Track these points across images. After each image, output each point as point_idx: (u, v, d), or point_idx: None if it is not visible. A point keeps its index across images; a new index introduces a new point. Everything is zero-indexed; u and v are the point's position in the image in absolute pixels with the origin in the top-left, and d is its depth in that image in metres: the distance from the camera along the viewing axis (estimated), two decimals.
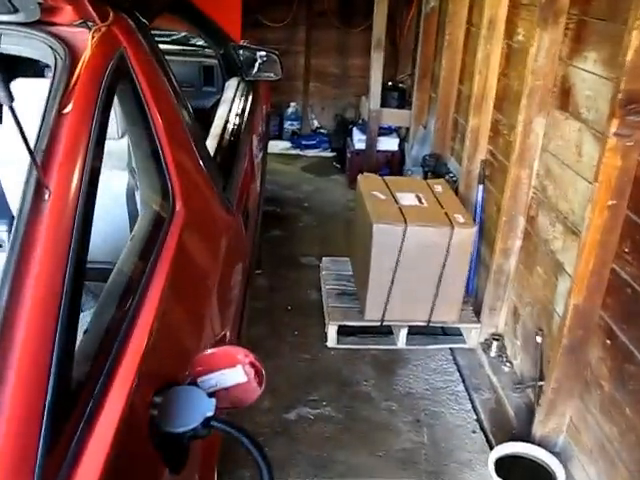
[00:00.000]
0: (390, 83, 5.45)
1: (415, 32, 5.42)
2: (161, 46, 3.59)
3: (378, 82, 5.11)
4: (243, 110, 2.98)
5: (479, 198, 3.74)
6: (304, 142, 6.45)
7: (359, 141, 5.50)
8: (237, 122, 2.75)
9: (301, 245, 4.55)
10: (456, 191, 4.06)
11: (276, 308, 3.76)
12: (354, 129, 5.64)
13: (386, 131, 5.49)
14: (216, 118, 2.69)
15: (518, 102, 3.08)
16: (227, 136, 2.51)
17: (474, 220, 3.68)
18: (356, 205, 3.71)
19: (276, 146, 6.37)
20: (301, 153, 6.45)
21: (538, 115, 2.90)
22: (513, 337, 3.27)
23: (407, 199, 3.45)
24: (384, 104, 5.33)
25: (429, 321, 3.41)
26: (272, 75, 3.30)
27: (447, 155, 4.52)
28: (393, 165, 5.39)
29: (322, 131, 6.56)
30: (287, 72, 6.43)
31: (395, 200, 3.42)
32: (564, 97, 2.73)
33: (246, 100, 3.12)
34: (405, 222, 3.18)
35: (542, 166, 2.96)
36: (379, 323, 3.39)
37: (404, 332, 3.39)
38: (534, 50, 2.80)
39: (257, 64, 3.33)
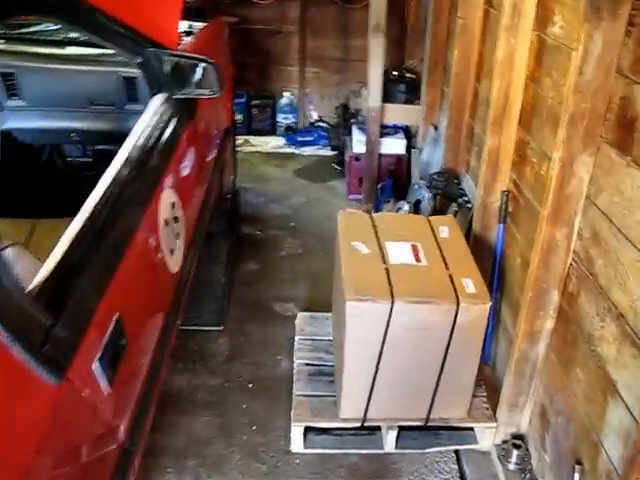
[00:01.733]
0: (395, 73, 4.45)
1: (424, 9, 4.41)
2: (69, 49, 2.70)
3: (378, 73, 4.14)
4: (162, 152, 2.08)
5: (499, 242, 2.80)
6: (300, 139, 5.54)
7: (358, 143, 4.56)
8: (140, 174, 1.85)
9: (278, 285, 3.67)
10: (470, 223, 3.12)
11: (233, 387, 2.91)
12: (353, 127, 4.69)
13: (391, 130, 4.54)
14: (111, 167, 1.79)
15: (553, 121, 2.17)
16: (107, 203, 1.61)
17: (492, 283, 2.76)
18: (335, 258, 2.80)
19: (267, 144, 5.48)
20: (296, 151, 5.53)
21: (583, 152, 1.95)
22: (540, 447, 2.37)
23: (399, 253, 2.53)
24: (388, 98, 4.36)
25: (427, 419, 2.52)
26: (207, 92, 2.38)
27: (461, 171, 3.57)
28: (398, 174, 4.44)
29: (322, 125, 5.62)
30: (279, 56, 5.52)
31: (382, 256, 2.51)
32: (624, 131, 1.79)
33: (170, 131, 2.21)
34: (392, 295, 2.27)
35: (587, 225, 2.02)
36: (359, 423, 2.50)
37: (393, 434, 2.50)
38: (579, 56, 1.84)
39: (195, 77, 2.42)
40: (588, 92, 1.86)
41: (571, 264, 2.14)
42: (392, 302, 2.26)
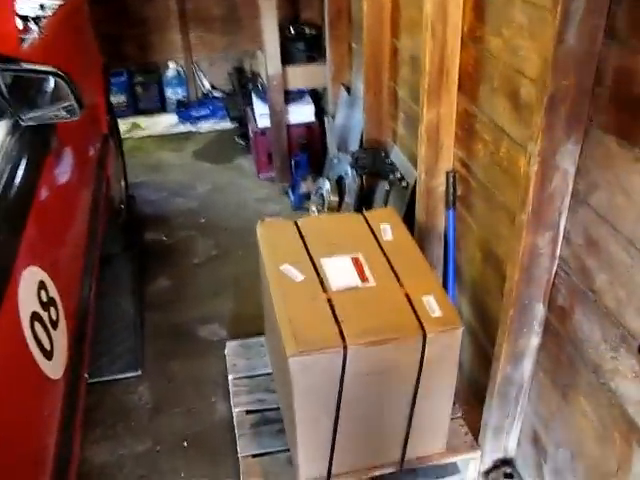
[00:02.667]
0: (293, 31, 3.87)
1: None
2: None
3: (273, 35, 3.58)
4: (11, 214, 1.48)
5: (450, 232, 2.37)
6: (194, 114, 4.90)
7: (262, 116, 3.99)
8: None
9: (197, 301, 3.14)
10: (410, 206, 2.68)
11: (165, 450, 2.41)
12: (254, 97, 4.10)
13: (296, 96, 3.98)
14: None
15: (509, 91, 1.78)
16: None
17: (446, 278, 2.36)
18: (261, 284, 2.29)
19: (159, 124, 4.82)
20: (193, 129, 4.90)
21: (567, 141, 1.51)
22: (536, 476, 2.01)
23: (340, 272, 2.06)
24: (288, 60, 3.80)
25: (402, 462, 2.11)
26: (62, 115, 1.77)
27: (387, 141, 3.10)
28: (312, 146, 3.92)
29: (216, 95, 4.98)
30: (158, 23, 4.79)
31: (321, 280, 2.02)
32: (625, 113, 1.34)
33: (22, 176, 1.60)
34: (343, 339, 1.81)
35: (577, 229, 1.61)
36: None
37: None
38: (557, 19, 1.38)
39: (47, 92, 1.80)
40: (570, 65, 1.40)
41: (557, 273, 1.73)
42: (344, 348, 1.80)
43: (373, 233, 2.27)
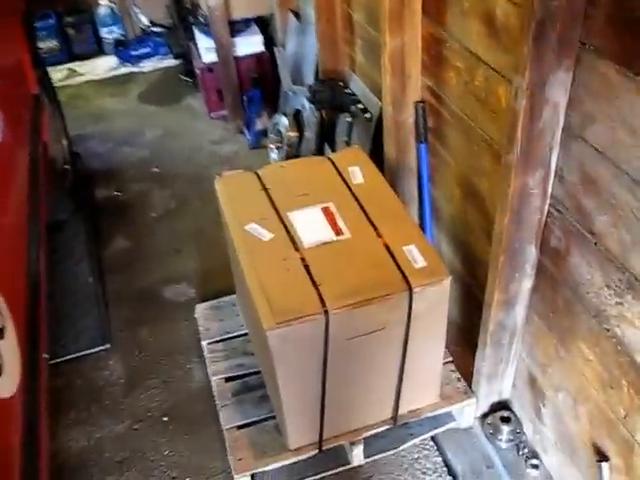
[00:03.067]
0: None
1: None
2: None
3: None
4: None
5: (424, 167, 2.21)
6: (134, 53, 4.55)
7: (207, 51, 3.69)
8: None
9: (160, 260, 2.95)
10: (376, 139, 2.50)
11: (145, 428, 2.29)
12: (196, 32, 3.78)
13: (242, 26, 3.68)
14: None
15: (482, 14, 1.58)
16: None
17: (422, 217, 2.22)
18: (228, 246, 2.12)
19: (97, 68, 4.49)
20: (134, 69, 4.56)
21: (557, 69, 1.33)
22: (535, 418, 1.95)
23: (311, 226, 1.89)
24: None
25: (395, 419, 2.02)
26: None
27: (344, 70, 2.87)
28: (264, 79, 3.65)
29: (156, 30, 4.60)
30: None
31: (291, 238, 1.86)
32: (627, 36, 1.17)
33: None
34: (322, 304, 1.66)
35: (571, 165, 1.46)
36: (316, 450, 1.97)
37: (359, 448, 1.99)
38: None
39: None
40: None
41: (549, 212, 1.58)
42: (325, 313, 1.65)
43: (342, 177, 2.10)
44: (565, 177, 1.49)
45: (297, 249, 1.82)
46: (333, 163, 2.16)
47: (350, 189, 2.03)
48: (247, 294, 1.80)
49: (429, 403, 2.06)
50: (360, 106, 2.70)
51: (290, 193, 2.02)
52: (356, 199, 1.99)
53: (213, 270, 2.79)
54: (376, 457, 2.07)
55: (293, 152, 3.28)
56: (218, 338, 2.34)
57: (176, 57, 4.42)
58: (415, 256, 1.78)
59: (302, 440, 1.96)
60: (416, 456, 2.11)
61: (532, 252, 1.67)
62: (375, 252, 1.80)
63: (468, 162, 1.95)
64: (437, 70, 1.99)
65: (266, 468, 1.95)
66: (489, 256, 1.75)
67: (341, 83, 2.85)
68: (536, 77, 1.33)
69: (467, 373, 2.10)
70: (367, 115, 2.63)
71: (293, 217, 1.93)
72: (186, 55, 4.22)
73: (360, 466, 2.06)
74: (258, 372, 2.21)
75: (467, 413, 2.10)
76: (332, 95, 2.71)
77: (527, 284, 1.74)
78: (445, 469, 2.07)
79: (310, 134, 3.13)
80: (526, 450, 2.01)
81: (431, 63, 2.02)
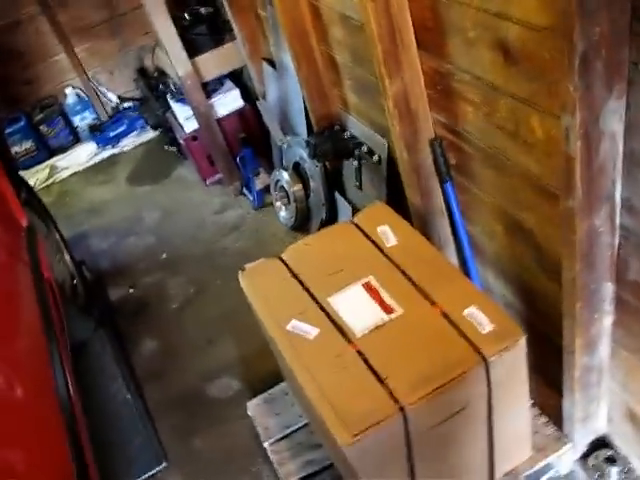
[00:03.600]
0: (188, 16, 3.37)
1: None
2: None
3: (169, 30, 3.10)
4: None
5: (454, 207, 2.03)
6: (111, 134, 4.41)
7: (187, 120, 3.53)
8: None
9: (195, 355, 2.77)
10: (390, 181, 2.33)
11: None
12: (171, 103, 3.63)
13: (217, 85, 3.52)
14: None
15: (491, 39, 1.43)
16: None
17: (464, 262, 2.04)
18: (269, 343, 1.94)
19: (79, 157, 4.34)
20: (116, 151, 4.42)
21: (609, 98, 1.15)
22: None
23: (357, 312, 1.72)
24: (193, 50, 3.31)
25: None
26: None
27: (339, 113, 2.69)
28: (252, 136, 3.48)
29: (127, 105, 4.46)
30: (33, 50, 4.18)
31: (340, 329, 1.67)
32: None
33: None
34: (395, 400, 1.48)
35: (638, 190, 1.26)
36: None
37: None
38: None
39: None
40: (600, 3, 1.03)
41: (621, 244, 1.40)
42: (401, 411, 1.47)
43: (373, 242, 1.92)
44: (634, 205, 1.30)
45: (349, 341, 1.64)
46: (359, 227, 1.98)
47: (386, 255, 1.86)
48: (306, 401, 1.62)
49: (523, 459, 1.87)
50: (364, 149, 2.52)
51: (323, 274, 1.85)
52: (395, 265, 1.81)
53: (252, 355, 2.61)
54: None
55: (302, 206, 3.11)
56: (279, 436, 2.17)
57: (155, 128, 4.26)
58: (479, 319, 1.59)
59: None
60: None
61: (609, 288, 1.49)
62: (434, 325, 1.62)
63: (506, 197, 1.77)
64: (449, 105, 1.81)
65: None
66: (548, 290, 1.58)
67: (337, 127, 2.68)
68: (587, 114, 1.15)
69: (549, 408, 1.91)
70: (375, 158, 2.45)
71: (334, 303, 1.75)
72: (163, 124, 4.06)
73: None
74: (331, 465, 2.02)
75: (565, 459, 1.91)
76: (333, 145, 2.54)
77: (608, 321, 1.57)
78: None
79: (316, 185, 2.96)
80: None
81: (440, 98, 1.84)
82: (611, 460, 1.85)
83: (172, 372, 2.71)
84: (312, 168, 2.94)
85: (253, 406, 2.29)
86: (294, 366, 1.64)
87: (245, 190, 3.55)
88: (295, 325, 1.72)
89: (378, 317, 1.67)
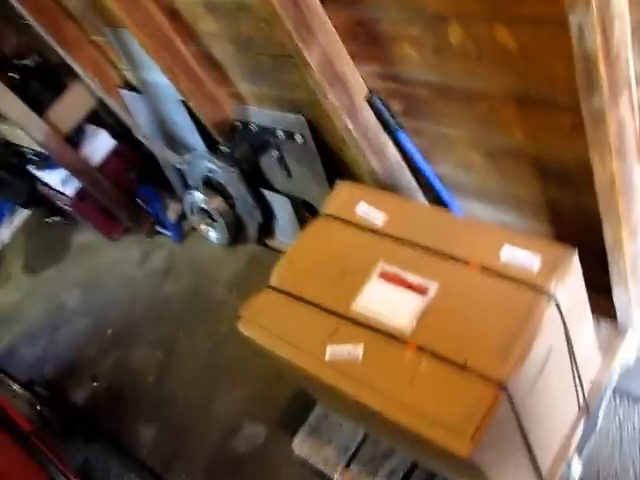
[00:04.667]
0: (16, 75, 2.95)
1: None
2: None
3: (9, 98, 2.69)
4: None
5: (414, 154, 1.88)
6: None
7: (66, 183, 3.16)
8: None
9: (202, 417, 2.51)
10: (325, 157, 2.16)
11: None
12: (37, 174, 3.23)
13: (79, 134, 3.15)
14: None
15: None
16: None
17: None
18: (314, 391, 1.73)
19: None
20: None
21: None
22: None
23: (392, 305, 1.53)
24: (40, 108, 2.92)
25: (586, 406, 1.74)
26: None
27: (235, 110, 2.44)
28: (142, 171, 3.15)
29: None
30: None
31: (386, 334, 1.49)
32: None
33: None
34: (489, 381, 1.32)
35: None
36: None
37: (576, 462, 1.71)
38: None
39: None
40: None
41: None
42: (501, 388, 1.31)
43: (360, 227, 1.72)
44: None
45: (403, 341, 1.46)
46: (335, 217, 1.78)
47: (382, 234, 1.67)
48: (392, 426, 1.43)
49: (598, 367, 1.79)
50: (280, 134, 2.30)
51: (329, 284, 1.65)
52: (399, 240, 1.64)
53: (260, 392, 2.42)
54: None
55: (231, 218, 2.85)
56: (345, 461, 1.98)
57: (26, 206, 3.81)
58: (521, 257, 1.46)
59: None
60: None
61: (637, 170, 1.38)
62: (480, 284, 1.48)
63: (479, 124, 1.62)
64: (379, 53, 1.63)
65: None
66: (560, 198, 1.57)
67: (239, 124, 2.44)
68: (601, 1, 1.00)
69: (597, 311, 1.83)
70: (298, 139, 2.24)
71: (361, 308, 1.56)
72: (36, 198, 3.62)
73: None
74: (413, 465, 1.87)
75: (631, 348, 1.85)
76: (249, 143, 2.30)
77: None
78: None
79: (238, 191, 2.72)
80: None
81: (365, 49, 1.65)
82: None
83: (188, 447, 2.44)
84: (227, 176, 2.68)
85: (300, 444, 2.08)
86: (360, 396, 1.44)
87: (159, 228, 3.23)
88: (334, 351, 1.52)
89: (416, 303, 1.50)
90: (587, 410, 1.73)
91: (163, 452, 2.48)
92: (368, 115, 1.82)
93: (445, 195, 1.98)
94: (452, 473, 1.69)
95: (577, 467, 1.74)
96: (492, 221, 1.95)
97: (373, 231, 1.69)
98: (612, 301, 1.75)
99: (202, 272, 2.99)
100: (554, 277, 1.39)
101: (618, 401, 1.89)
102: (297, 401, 2.32)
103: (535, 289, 1.40)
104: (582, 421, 1.72)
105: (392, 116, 1.82)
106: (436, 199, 2.02)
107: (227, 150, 2.29)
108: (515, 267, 1.45)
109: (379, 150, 1.91)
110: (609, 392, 1.82)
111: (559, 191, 1.68)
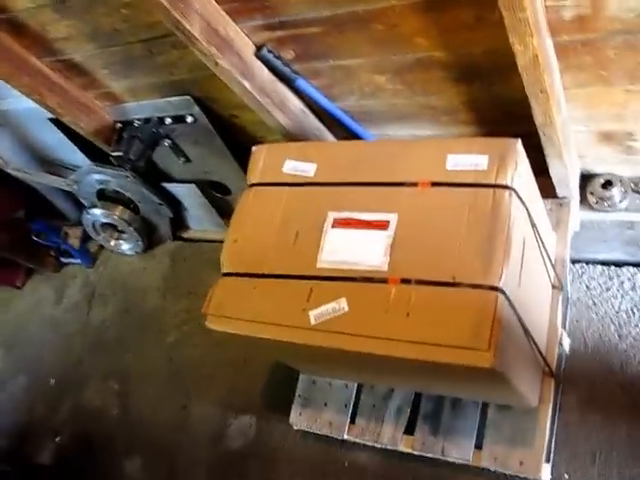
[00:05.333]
0: None
1: None
2: None
3: None
4: None
5: (317, 96, 1.84)
6: None
7: None
8: None
9: (181, 432, 2.40)
10: (224, 130, 2.07)
11: None
12: None
13: None
14: None
15: None
16: None
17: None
18: (302, 361, 1.66)
19: None
20: None
21: None
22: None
23: (356, 250, 1.50)
24: None
25: (558, 282, 1.80)
26: None
27: (113, 112, 2.27)
28: (27, 206, 2.90)
29: None
30: None
31: (364, 279, 1.46)
32: None
33: None
34: (483, 288, 1.33)
35: None
36: (552, 379, 1.72)
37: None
38: None
39: None
40: None
41: None
42: (497, 290, 1.32)
43: (295, 185, 1.65)
44: None
45: (384, 280, 1.42)
46: (264, 184, 1.70)
47: (320, 184, 1.61)
48: (406, 368, 1.41)
49: (556, 243, 1.84)
50: (168, 121, 2.17)
51: (285, 251, 1.58)
52: (339, 185, 1.59)
53: (234, 383, 2.34)
54: None
55: (139, 223, 2.71)
56: (349, 417, 1.95)
57: None
58: (467, 161, 1.45)
59: (537, 389, 1.69)
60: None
61: (549, 43, 1.39)
62: (437, 201, 1.46)
63: (384, 46, 1.58)
64: (257, 4, 1.54)
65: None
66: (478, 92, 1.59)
67: (120, 125, 2.27)
68: None
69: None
70: (188, 119, 2.12)
71: (327, 263, 1.50)
72: None
73: None
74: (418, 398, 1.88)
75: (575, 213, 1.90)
76: (140, 141, 2.15)
77: (558, 75, 1.48)
78: None
79: (138, 194, 2.57)
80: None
81: (243, 4, 1.55)
82: (608, 184, 1.86)
83: (180, 464, 2.33)
84: (121, 182, 2.52)
85: (296, 418, 2.04)
86: (362, 348, 1.40)
87: (64, 259, 3.01)
88: (317, 314, 1.46)
89: (382, 238, 1.46)
90: (560, 286, 1.78)
91: (156, 478, 2.36)
92: (263, 71, 1.74)
93: (357, 129, 1.94)
94: (472, 392, 1.70)
95: (566, 341, 1.80)
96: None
97: (308, 184, 1.63)
98: (549, 179, 1.79)
99: (127, 288, 2.83)
100: (508, 169, 1.39)
101: (577, 268, 1.95)
102: (273, 377, 2.27)
103: (493, 187, 1.39)
104: (559, 298, 1.77)
105: (286, 65, 1.74)
106: (349, 136, 1.98)
107: (120, 154, 2.12)
108: (465, 172, 1.44)
109: (282, 104, 1.84)
110: (568, 263, 1.88)
111: (472, 89, 1.68)
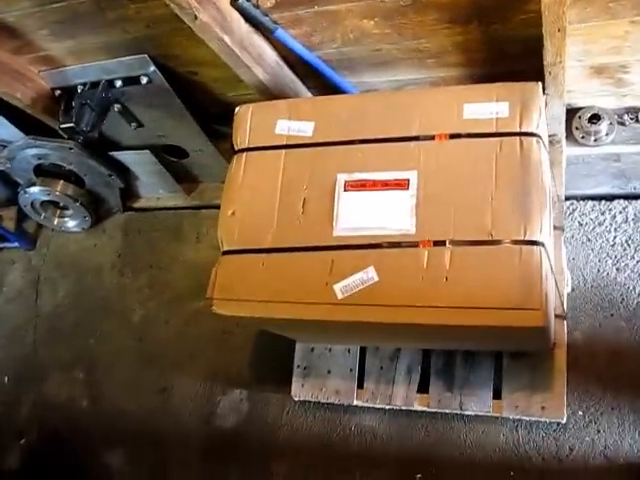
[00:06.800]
0: None
1: None
2: None
3: None
4: None
5: (295, 47, 1.69)
6: None
7: None
8: None
9: (166, 416, 2.26)
10: (187, 91, 1.90)
11: None
12: None
13: None
14: None
15: None
16: None
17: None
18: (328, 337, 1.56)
19: None
20: None
21: None
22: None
23: (377, 215, 1.40)
24: None
25: (560, 223, 1.77)
26: None
27: (51, 78, 2.01)
28: None
29: None
30: None
31: (392, 245, 1.37)
32: None
33: None
34: (524, 243, 1.27)
35: None
36: None
37: None
38: None
39: None
40: None
41: None
42: (541, 245, 1.26)
43: (291, 146, 1.52)
44: None
45: (415, 244, 1.33)
46: (255, 148, 1.55)
47: (320, 144, 1.48)
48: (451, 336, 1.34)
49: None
50: (118, 83, 1.95)
51: (293, 220, 1.45)
52: (345, 143, 1.46)
53: (215, 355, 2.22)
54: None
55: (86, 197, 2.48)
56: (356, 384, 1.88)
57: None
58: (488, 109, 1.36)
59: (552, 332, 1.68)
60: None
61: None
62: (459, 153, 1.37)
63: None
64: None
65: None
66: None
67: (59, 92, 2.03)
68: None
69: None
70: (143, 80, 1.91)
71: (345, 229, 1.39)
72: None
73: None
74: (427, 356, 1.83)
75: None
76: (91, 108, 1.92)
77: None
78: None
79: (83, 165, 2.33)
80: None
81: None
82: (595, 118, 1.83)
83: (170, 451, 2.20)
84: (64, 154, 2.28)
85: (299, 390, 1.95)
86: (399, 319, 1.31)
87: (0, 244, 2.73)
88: (344, 287, 1.36)
89: (404, 199, 1.37)
90: (562, 228, 1.75)
91: (145, 469, 2.22)
92: (240, 23, 1.56)
93: (338, 79, 1.80)
94: (493, 344, 1.66)
95: (569, 280, 1.78)
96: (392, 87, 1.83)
97: (308, 145, 1.49)
98: None
99: (78, 268, 2.60)
100: (533, 115, 1.32)
101: (567, 205, 1.93)
102: (259, 347, 2.17)
103: (519, 135, 1.31)
104: (562, 238, 1.74)
105: (265, 14, 1.57)
106: (324, 88, 1.85)
107: (70, 126, 1.88)
108: (485, 122, 1.35)
109: (259, 57, 1.67)
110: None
111: (468, 29, 1.57)
